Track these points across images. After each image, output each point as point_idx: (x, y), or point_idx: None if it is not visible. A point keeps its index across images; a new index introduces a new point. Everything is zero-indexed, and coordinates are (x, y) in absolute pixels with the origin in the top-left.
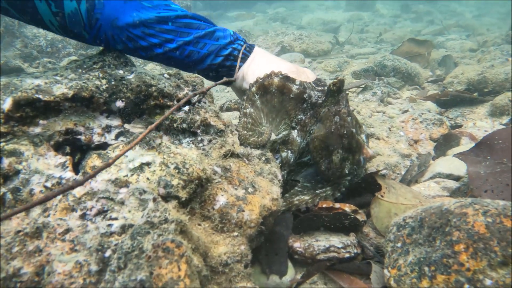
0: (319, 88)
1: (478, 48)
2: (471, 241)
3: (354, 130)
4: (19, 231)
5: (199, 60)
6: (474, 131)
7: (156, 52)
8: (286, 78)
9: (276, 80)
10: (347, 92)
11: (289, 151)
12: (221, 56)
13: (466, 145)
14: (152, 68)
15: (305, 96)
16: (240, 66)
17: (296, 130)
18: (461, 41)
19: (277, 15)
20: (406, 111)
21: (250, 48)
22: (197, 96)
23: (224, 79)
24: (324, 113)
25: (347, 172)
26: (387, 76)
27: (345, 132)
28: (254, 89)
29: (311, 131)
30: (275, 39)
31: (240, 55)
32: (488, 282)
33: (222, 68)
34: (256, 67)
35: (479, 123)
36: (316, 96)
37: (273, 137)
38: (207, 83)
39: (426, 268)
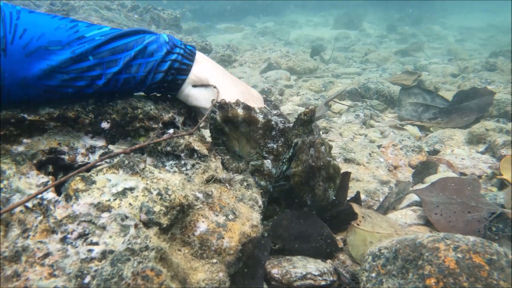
0: (275, 112)
1: (459, 74)
2: (442, 276)
3: (329, 159)
4: None
5: (138, 84)
6: (451, 159)
7: (86, 92)
8: (249, 109)
9: (240, 112)
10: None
11: (267, 182)
12: (160, 72)
13: (443, 172)
14: None
15: (272, 123)
16: (182, 80)
17: (269, 161)
18: (443, 65)
19: (265, 29)
20: (387, 135)
21: (190, 55)
22: (182, 119)
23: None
24: (298, 146)
25: (333, 198)
26: (370, 98)
27: (321, 164)
28: (219, 118)
29: (284, 160)
30: (262, 55)
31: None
32: None
33: (164, 84)
34: (200, 86)
35: (456, 150)
36: (282, 123)
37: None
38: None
39: None
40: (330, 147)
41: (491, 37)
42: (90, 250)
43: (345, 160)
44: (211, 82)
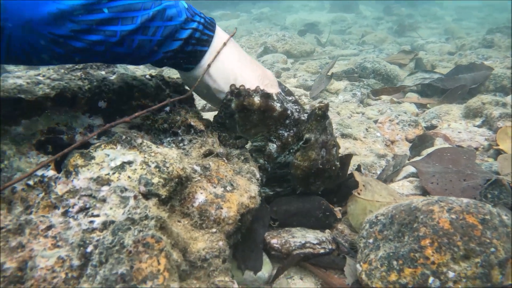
0: (289, 98)
1: (456, 51)
2: (436, 236)
3: (337, 163)
4: (2, 228)
5: (152, 50)
6: (448, 132)
7: (97, 50)
8: (267, 96)
9: (257, 100)
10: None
11: (266, 162)
12: (178, 40)
13: (440, 145)
14: (135, 68)
15: (288, 112)
16: (203, 52)
17: (275, 146)
18: (440, 44)
19: (261, 15)
20: (384, 112)
21: (211, 26)
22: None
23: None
24: (311, 142)
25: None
26: (367, 77)
27: (328, 167)
28: (233, 106)
29: (292, 151)
30: (258, 40)
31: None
32: (451, 274)
33: (181, 55)
34: (224, 64)
35: (453, 124)
36: (297, 112)
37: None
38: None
39: (394, 262)
40: (339, 148)
41: (488, 16)
42: (91, 222)
43: (342, 135)
44: (231, 61)
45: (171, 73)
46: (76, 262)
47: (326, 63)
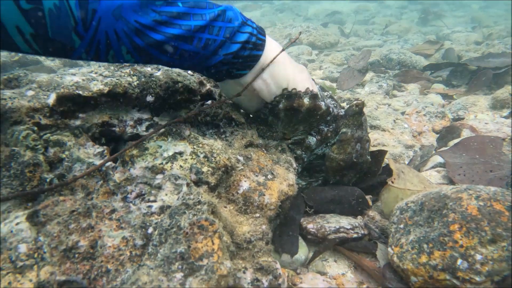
0: (325, 93)
1: (483, 41)
2: (465, 222)
3: (368, 157)
4: (73, 211)
5: (215, 51)
6: (475, 123)
7: (170, 44)
8: (315, 97)
9: (306, 101)
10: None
11: (303, 152)
12: (237, 43)
13: (466, 136)
14: None
15: (330, 110)
16: (258, 56)
17: (314, 139)
18: (466, 34)
19: (283, 5)
20: (411, 104)
21: (263, 31)
22: (219, 90)
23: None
24: (347, 136)
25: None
26: (392, 69)
27: (361, 161)
28: (281, 106)
29: (329, 144)
30: (282, 32)
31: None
32: (478, 257)
33: (237, 59)
34: (279, 68)
35: (480, 115)
36: (336, 109)
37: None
38: None
39: (425, 245)
40: (370, 142)
41: None
42: (149, 206)
43: (371, 127)
44: (285, 65)
45: None
46: (139, 242)
47: (351, 55)
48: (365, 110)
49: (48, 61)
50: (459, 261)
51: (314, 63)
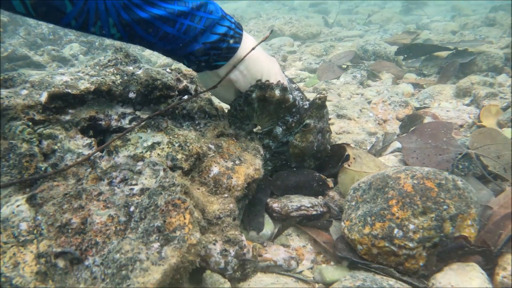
0: (294, 86)
1: (459, 31)
2: (401, 197)
3: (328, 146)
4: (66, 194)
5: (194, 38)
6: (437, 111)
7: (154, 25)
8: (285, 90)
9: (277, 93)
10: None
11: (271, 141)
12: (216, 34)
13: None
14: (150, 54)
15: (296, 103)
16: (236, 49)
17: (280, 129)
18: (444, 23)
19: None
20: (382, 93)
21: (240, 26)
22: (195, 86)
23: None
24: (310, 127)
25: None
26: (368, 60)
27: (322, 149)
28: (254, 95)
29: (293, 133)
30: (266, 23)
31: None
32: (411, 226)
33: (215, 51)
34: (254, 60)
35: (443, 103)
36: (302, 101)
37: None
38: None
39: (368, 218)
40: (331, 133)
41: None
42: (131, 189)
43: (338, 116)
44: (260, 58)
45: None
46: (122, 219)
47: (330, 46)
48: (334, 100)
49: (36, 56)
50: (395, 231)
51: (295, 55)
